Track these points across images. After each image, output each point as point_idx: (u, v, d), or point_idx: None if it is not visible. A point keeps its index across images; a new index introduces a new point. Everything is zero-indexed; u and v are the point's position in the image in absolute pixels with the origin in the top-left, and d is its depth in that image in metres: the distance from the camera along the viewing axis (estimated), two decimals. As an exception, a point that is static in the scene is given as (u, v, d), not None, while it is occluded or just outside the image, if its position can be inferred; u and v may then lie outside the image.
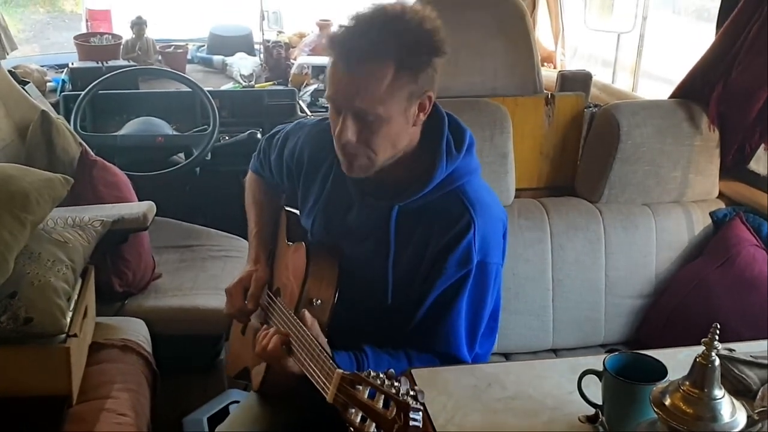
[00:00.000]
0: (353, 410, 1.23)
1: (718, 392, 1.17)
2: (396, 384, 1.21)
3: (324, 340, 1.55)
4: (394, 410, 1.18)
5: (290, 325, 1.61)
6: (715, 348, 1.17)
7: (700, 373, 1.17)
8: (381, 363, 1.60)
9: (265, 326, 1.64)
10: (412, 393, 1.20)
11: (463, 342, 1.68)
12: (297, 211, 1.89)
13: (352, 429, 1.22)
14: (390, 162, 1.62)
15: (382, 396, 1.20)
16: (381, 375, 1.24)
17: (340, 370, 1.30)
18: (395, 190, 1.66)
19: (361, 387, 1.23)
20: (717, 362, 1.17)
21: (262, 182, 2.04)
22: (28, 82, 3.10)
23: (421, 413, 1.17)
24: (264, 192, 2.03)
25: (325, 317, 1.64)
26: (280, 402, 1.81)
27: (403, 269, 1.67)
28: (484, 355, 1.84)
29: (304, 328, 1.54)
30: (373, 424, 1.19)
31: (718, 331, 1.18)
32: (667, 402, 1.18)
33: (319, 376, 1.39)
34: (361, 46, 1.50)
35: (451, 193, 1.64)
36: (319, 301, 1.65)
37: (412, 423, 1.16)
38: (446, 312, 1.65)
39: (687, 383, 1.18)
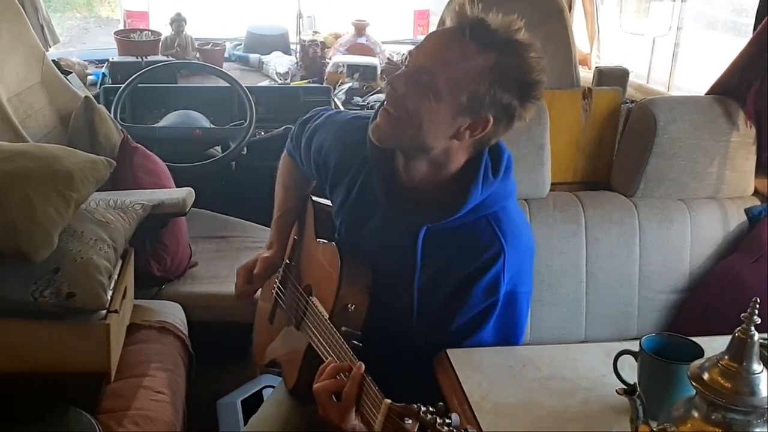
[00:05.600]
0: None
1: (757, 367, 1.16)
2: (447, 420, 1.15)
3: None
4: None
5: (327, 335, 1.56)
6: (755, 322, 1.17)
7: (739, 347, 1.16)
8: None
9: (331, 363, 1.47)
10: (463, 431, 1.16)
11: None
12: (326, 203, 1.83)
13: None
14: (422, 176, 1.56)
15: None
16: (431, 409, 1.18)
17: (388, 400, 1.24)
18: (424, 207, 1.59)
19: (411, 421, 1.17)
20: (756, 336, 1.16)
21: (293, 166, 1.98)
22: (71, 73, 3.16)
23: None
24: (293, 178, 1.97)
25: (360, 322, 1.59)
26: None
27: (425, 292, 1.59)
28: None
29: (342, 339, 1.49)
30: None
31: (758, 306, 1.17)
32: (706, 377, 1.18)
33: (365, 401, 1.32)
34: (476, 22, 1.45)
35: (483, 219, 1.56)
36: (354, 306, 1.59)
37: None
38: (468, 341, 1.58)
39: (726, 358, 1.17)
